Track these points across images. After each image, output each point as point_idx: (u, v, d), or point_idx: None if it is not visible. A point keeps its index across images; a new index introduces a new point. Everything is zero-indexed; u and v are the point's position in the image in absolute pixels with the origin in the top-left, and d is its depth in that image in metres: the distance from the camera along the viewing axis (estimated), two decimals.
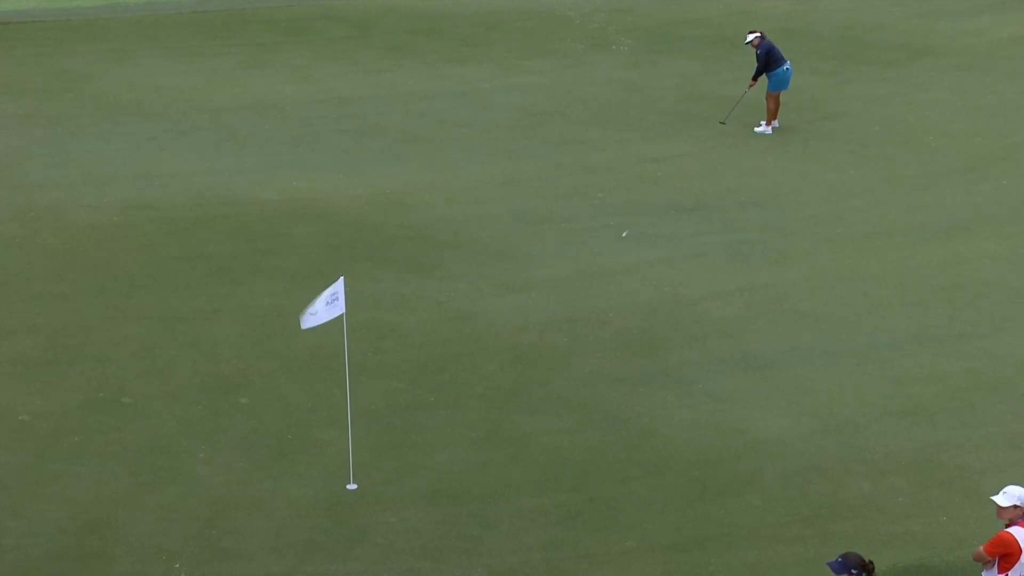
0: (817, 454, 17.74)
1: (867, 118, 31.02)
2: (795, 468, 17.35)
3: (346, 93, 33.29)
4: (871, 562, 12.77)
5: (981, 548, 13.48)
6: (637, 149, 28.97)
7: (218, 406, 18.92)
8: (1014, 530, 13.28)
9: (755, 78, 29.87)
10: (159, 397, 19.15)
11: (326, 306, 16.56)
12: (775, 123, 30.05)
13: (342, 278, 16.86)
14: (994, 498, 13.56)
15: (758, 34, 29.97)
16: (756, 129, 29.97)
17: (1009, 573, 13.28)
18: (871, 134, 30.00)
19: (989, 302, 21.96)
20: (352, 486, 17.01)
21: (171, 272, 23.07)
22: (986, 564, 13.50)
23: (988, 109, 31.45)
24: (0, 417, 18.67)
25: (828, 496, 16.86)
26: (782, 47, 30.29)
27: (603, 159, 28.69)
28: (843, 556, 12.78)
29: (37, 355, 20.29)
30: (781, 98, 30.14)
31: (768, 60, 29.64)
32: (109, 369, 19.86)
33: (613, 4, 41.87)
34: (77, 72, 35.04)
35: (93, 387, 19.40)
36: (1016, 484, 13.83)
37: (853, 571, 12.67)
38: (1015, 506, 13.45)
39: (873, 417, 18.61)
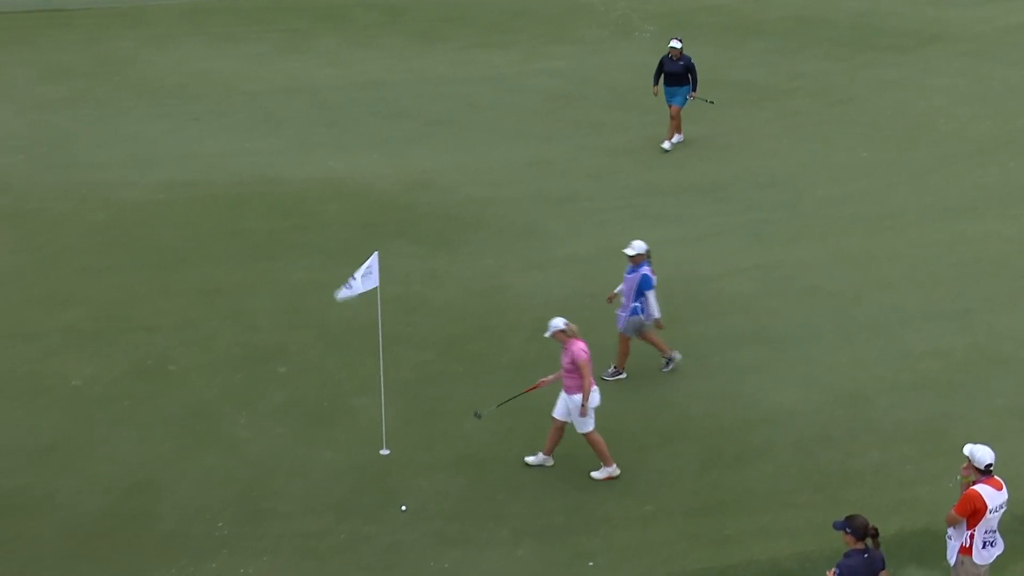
0: (828, 424, 18.07)
1: (878, 103, 30.91)
2: (807, 437, 17.69)
3: (378, 77, 33.52)
4: (875, 528, 12.97)
5: (951, 511, 13.61)
6: (657, 132, 28.99)
7: (257, 375, 19.42)
8: (979, 487, 13.52)
9: (695, 88, 28.16)
10: (202, 366, 19.67)
11: (361, 279, 16.99)
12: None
13: (376, 253, 17.32)
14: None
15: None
16: (672, 141, 28.56)
17: (976, 529, 13.52)
18: (882, 118, 29.89)
19: (994, 280, 22.08)
20: (385, 451, 17.50)
21: (212, 247, 23.56)
22: (957, 525, 13.61)
23: (996, 94, 31.22)
24: (54, 383, 19.27)
25: (838, 464, 17.18)
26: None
27: (624, 141, 28.85)
28: (848, 517, 13.02)
29: (88, 325, 20.84)
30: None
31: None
32: (155, 339, 20.38)
33: None
34: (123, 57, 35.50)
35: (140, 355, 19.93)
36: (1001, 449, 14.26)
37: (848, 530, 12.92)
38: (968, 462, 13.63)
39: (882, 389, 18.89)
